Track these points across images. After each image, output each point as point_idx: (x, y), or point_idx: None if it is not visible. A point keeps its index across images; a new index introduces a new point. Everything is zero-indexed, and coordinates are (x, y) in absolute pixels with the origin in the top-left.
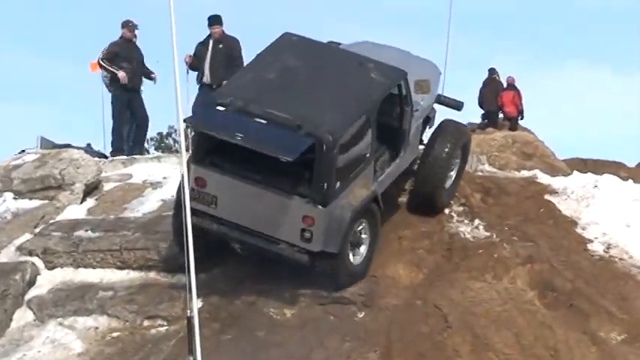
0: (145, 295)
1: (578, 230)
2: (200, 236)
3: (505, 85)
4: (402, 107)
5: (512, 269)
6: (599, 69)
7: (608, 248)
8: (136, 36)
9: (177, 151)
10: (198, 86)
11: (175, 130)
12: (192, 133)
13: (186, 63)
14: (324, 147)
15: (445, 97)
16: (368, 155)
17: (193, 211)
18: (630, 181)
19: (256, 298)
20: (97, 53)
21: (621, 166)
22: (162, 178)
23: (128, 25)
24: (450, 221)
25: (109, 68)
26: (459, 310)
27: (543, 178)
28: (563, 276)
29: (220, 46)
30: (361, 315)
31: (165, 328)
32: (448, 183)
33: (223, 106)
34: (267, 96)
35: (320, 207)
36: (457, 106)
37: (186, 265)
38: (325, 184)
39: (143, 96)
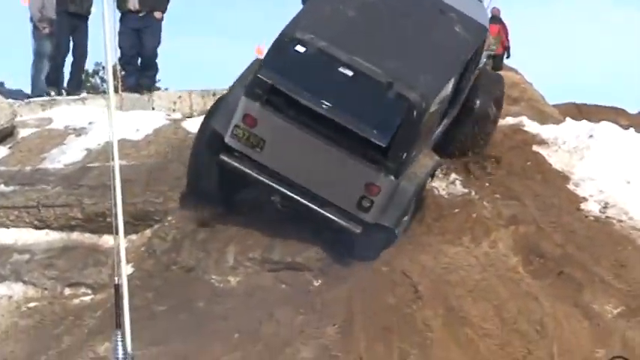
0: (66, 259)
1: (571, 187)
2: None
3: (489, 17)
4: (468, 66)
5: (493, 231)
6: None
7: (604, 208)
8: None
9: (104, 92)
10: (120, 14)
11: (102, 67)
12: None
13: None
14: (415, 112)
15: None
16: (439, 120)
17: (230, 152)
18: (631, 130)
19: (196, 263)
20: None
21: (621, 112)
22: (87, 123)
23: None
24: None
25: None
26: (430, 278)
27: (531, 125)
28: (552, 239)
29: None
30: (317, 283)
31: (90, 297)
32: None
33: (303, 46)
34: (351, 38)
35: (392, 177)
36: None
37: (113, 224)
38: (405, 154)
39: None
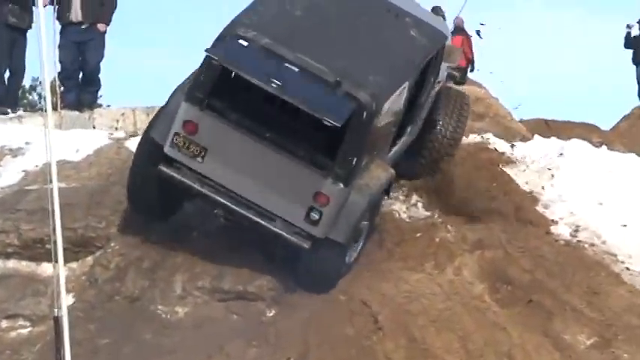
0: (2, 288)
1: (540, 209)
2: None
3: (452, 29)
4: (426, 76)
5: (457, 257)
6: (570, 7)
7: (575, 231)
8: None
9: (42, 110)
10: (60, 26)
11: (40, 83)
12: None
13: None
14: (365, 113)
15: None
16: (394, 129)
17: (171, 162)
18: (604, 147)
19: (141, 292)
20: None
21: (593, 129)
22: (24, 143)
23: None
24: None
25: None
26: (391, 307)
27: (497, 143)
28: (520, 265)
29: None
30: (271, 314)
31: (28, 329)
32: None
33: (245, 41)
34: (296, 37)
35: (341, 185)
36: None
37: (53, 251)
38: (355, 159)
39: None
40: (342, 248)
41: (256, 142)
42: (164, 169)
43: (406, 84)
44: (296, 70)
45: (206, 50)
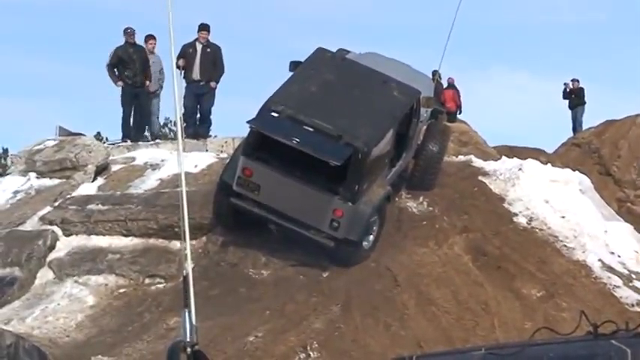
0: (146, 257)
1: (506, 205)
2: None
3: (446, 85)
4: (411, 118)
5: (450, 237)
6: (519, 72)
7: (530, 221)
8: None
9: (172, 139)
10: (185, 84)
11: (172, 121)
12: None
13: (179, 66)
14: (360, 155)
15: (436, 107)
16: (387, 161)
17: (238, 195)
18: (549, 165)
19: (238, 260)
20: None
21: (541, 152)
22: (160, 160)
23: (127, 32)
24: (400, 198)
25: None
26: (406, 271)
27: (477, 162)
28: (492, 243)
29: (208, 49)
30: (325, 275)
31: (164, 285)
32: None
33: (277, 113)
34: (311, 107)
35: (350, 204)
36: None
37: (182, 233)
38: (357, 186)
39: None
40: (356, 243)
41: (292, 179)
42: (234, 200)
43: (391, 131)
44: (311, 129)
45: (247, 122)
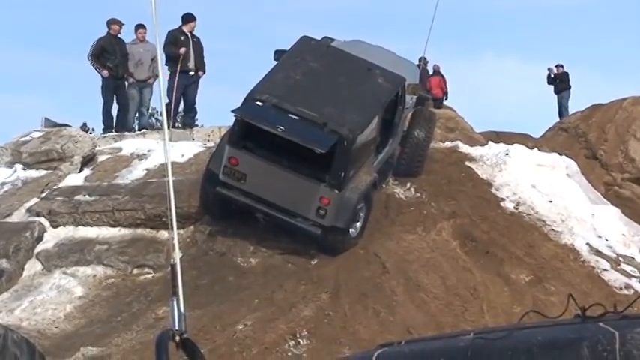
0: (134, 247)
1: (493, 191)
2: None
3: (432, 72)
4: (396, 105)
5: (438, 223)
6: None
7: (517, 205)
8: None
9: (159, 129)
10: (178, 71)
11: (158, 112)
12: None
13: (180, 55)
14: (345, 143)
15: (421, 94)
16: (372, 147)
17: (225, 184)
18: (535, 150)
19: (227, 249)
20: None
21: (528, 137)
22: (147, 151)
23: (114, 23)
24: (387, 184)
25: (95, 66)
26: (394, 257)
27: (463, 147)
28: (480, 228)
29: (195, 39)
30: (314, 262)
31: (152, 275)
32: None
33: (261, 102)
34: (296, 95)
35: (336, 191)
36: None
37: (169, 222)
38: (343, 173)
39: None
40: (344, 230)
41: (278, 167)
42: (220, 190)
43: (377, 118)
44: (296, 117)
45: (232, 110)
